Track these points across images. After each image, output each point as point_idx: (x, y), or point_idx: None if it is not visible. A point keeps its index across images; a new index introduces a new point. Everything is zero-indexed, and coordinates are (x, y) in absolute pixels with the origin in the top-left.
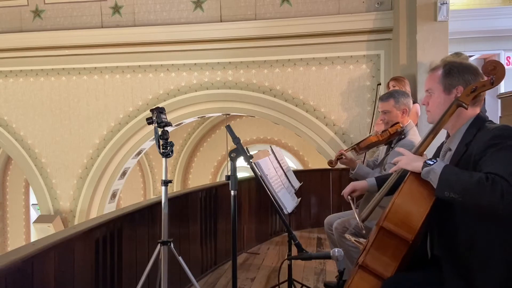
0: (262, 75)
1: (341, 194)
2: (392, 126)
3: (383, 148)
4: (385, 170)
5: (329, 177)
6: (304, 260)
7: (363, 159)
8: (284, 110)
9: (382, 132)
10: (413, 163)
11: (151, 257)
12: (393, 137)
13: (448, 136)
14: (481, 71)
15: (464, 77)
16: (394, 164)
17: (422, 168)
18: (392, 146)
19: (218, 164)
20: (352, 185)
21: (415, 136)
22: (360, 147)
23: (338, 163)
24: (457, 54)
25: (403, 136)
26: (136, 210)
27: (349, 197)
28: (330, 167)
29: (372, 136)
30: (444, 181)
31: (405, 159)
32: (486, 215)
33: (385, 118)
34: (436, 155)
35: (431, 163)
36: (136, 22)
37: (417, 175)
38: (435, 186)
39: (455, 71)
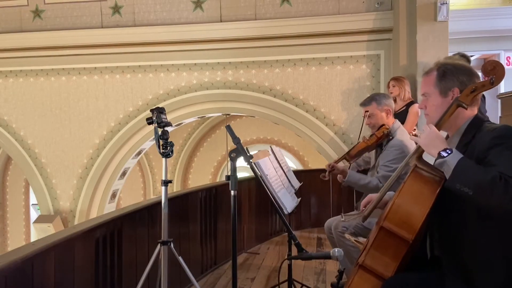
0: (262, 75)
1: (356, 207)
2: (378, 129)
3: (373, 152)
4: (377, 173)
5: (329, 177)
6: (304, 260)
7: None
8: (284, 110)
9: (370, 136)
10: (431, 148)
11: (151, 257)
12: (382, 139)
13: (447, 137)
14: (475, 71)
15: (459, 79)
16: (386, 166)
17: (436, 159)
18: (383, 148)
19: (218, 164)
20: (369, 197)
21: (403, 135)
22: (350, 156)
23: (330, 175)
24: (459, 53)
25: (391, 137)
26: (136, 210)
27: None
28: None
29: (361, 142)
30: (457, 175)
31: (425, 138)
32: (487, 212)
33: (371, 122)
34: None
35: (445, 154)
36: (136, 22)
37: (417, 174)
38: (447, 177)
39: (449, 74)
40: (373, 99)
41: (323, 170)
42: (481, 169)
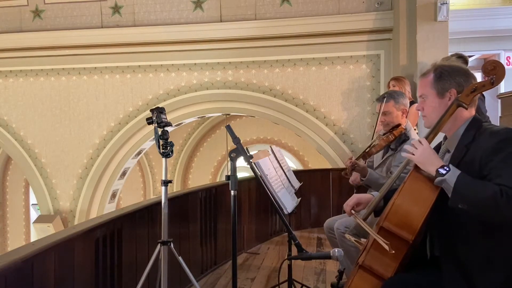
0: (262, 75)
1: (343, 208)
2: (395, 128)
3: (383, 151)
4: (391, 173)
5: (329, 177)
6: (304, 260)
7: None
8: (284, 110)
9: (387, 135)
10: (427, 165)
11: (151, 257)
12: (395, 139)
13: (445, 138)
14: (471, 72)
15: (455, 80)
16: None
17: (435, 177)
18: (392, 147)
19: (218, 164)
20: (356, 197)
21: (416, 137)
22: (370, 154)
23: (352, 172)
24: (456, 54)
25: (406, 138)
26: (136, 210)
27: (352, 211)
28: (331, 168)
29: (380, 142)
30: (458, 194)
31: (420, 156)
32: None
33: (386, 120)
34: None
35: (444, 172)
36: (136, 22)
37: (418, 174)
38: (449, 195)
39: (446, 75)
40: (391, 96)
41: (323, 170)
42: (481, 185)
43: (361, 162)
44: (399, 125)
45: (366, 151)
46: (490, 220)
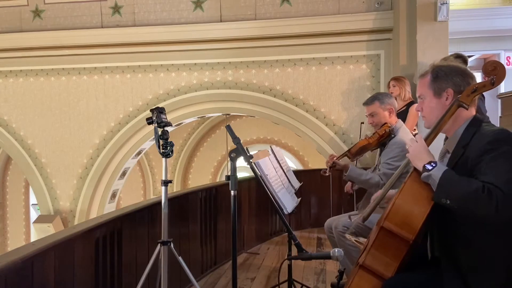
0: (262, 75)
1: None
2: (380, 127)
3: (377, 152)
4: (379, 170)
5: (329, 177)
6: (304, 260)
7: (355, 163)
8: (284, 110)
9: (372, 134)
10: (417, 160)
11: (151, 257)
12: (383, 138)
13: (446, 138)
14: (470, 71)
15: (452, 80)
16: (388, 163)
17: (422, 172)
18: (386, 147)
19: (218, 164)
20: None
21: (405, 134)
22: (351, 153)
23: (332, 170)
24: (456, 54)
25: (393, 136)
26: (136, 210)
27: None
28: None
29: (361, 140)
30: (442, 188)
31: (414, 150)
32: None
33: (374, 121)
34: None
35: (430, 167)
36: (136, 22)
37: (418, 174)
38: (434, 190)
39: (442, 75)
40: (376, 98)
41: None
42: (465, 181)
43: (342, 161)
44: (385, 124)
45: (349, 150)
46: (472, 216)
